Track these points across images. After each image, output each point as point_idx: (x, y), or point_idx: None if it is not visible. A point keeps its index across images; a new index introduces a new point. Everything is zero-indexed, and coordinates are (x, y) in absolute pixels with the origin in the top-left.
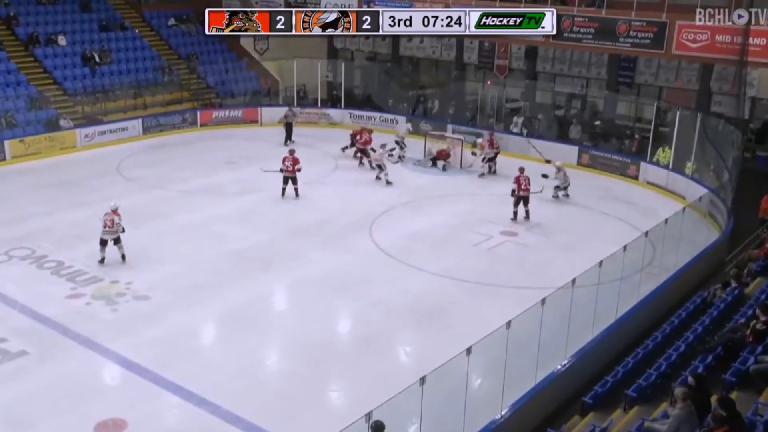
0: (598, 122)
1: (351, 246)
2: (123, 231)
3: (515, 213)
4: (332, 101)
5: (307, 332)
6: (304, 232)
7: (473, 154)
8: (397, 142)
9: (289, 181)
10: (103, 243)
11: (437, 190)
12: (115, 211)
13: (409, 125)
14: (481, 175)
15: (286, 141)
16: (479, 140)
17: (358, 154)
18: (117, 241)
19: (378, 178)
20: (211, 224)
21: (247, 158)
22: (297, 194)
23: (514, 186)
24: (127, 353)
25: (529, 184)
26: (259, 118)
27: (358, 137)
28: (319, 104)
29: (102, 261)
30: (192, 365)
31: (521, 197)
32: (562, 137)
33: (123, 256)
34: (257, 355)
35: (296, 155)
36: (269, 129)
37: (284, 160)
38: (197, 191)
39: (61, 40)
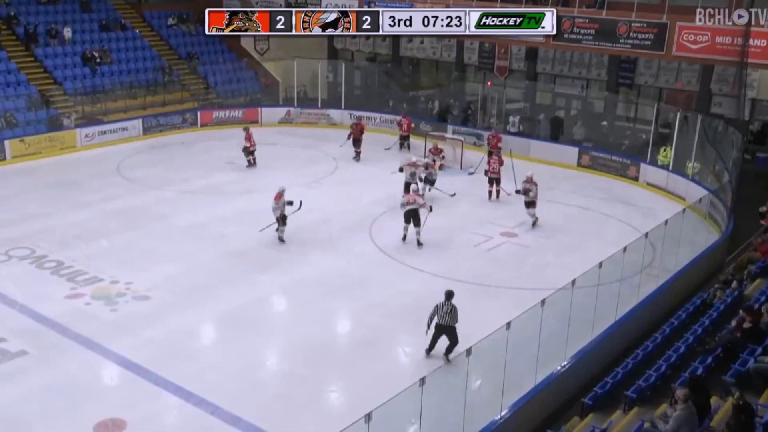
0: (604, 123)
1: (350, 247)
2: (296, 204)
3: (489, 192)
4: (333, 102)
5: (307, 333)
6: (303, 232)
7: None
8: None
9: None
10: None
11: (437, 192)
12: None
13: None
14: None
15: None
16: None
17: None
18: (280, 220)
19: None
20: (211, 225)
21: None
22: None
23: (486, 167)
24: (127, 353)
25: (499, 166)
26: (259, 118)
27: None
28: (319, 104)
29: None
30: (191, 366)
31: (492, 178)
32: (562, 138)
33: (280, 239)
34: (257, 355)
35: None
36: (269, 129)
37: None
38: (197, 192)
39: (67, 33)
